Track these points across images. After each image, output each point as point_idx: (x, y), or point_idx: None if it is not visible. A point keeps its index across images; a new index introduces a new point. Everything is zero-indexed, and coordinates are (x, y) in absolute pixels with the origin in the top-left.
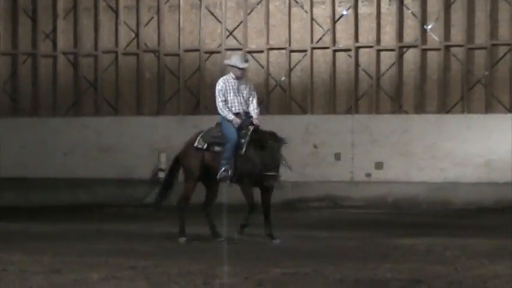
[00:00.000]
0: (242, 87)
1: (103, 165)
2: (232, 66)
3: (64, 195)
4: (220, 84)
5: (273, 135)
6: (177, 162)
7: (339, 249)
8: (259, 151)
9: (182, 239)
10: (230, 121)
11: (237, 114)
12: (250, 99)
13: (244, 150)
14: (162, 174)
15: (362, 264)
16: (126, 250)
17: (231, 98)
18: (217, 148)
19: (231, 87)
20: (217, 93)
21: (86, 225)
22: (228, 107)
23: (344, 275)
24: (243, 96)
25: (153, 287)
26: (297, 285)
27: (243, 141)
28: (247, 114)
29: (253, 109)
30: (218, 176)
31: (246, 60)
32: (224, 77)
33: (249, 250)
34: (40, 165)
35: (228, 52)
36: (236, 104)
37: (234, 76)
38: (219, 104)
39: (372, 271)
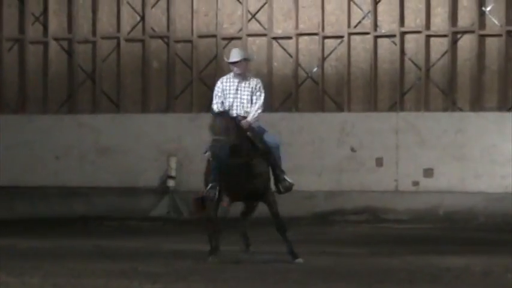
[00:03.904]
0: (242, 85)
1: (102, 171)
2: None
3: (56, 206)
4: (217, 85)
5: None
6: None
7: (381, 270)
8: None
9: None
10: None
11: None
12: (254, 99)
13: None
14: (171, 182)
15: None
16: (129, 271)
17: (230, 100)
18: None
19: (229, 87)
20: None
21: (82, 241)
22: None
23: None
24: (243, 97)
25: None
26: None
27: None
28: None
29: (252, 110)
30: None
31: (242, 54)
32: (225, 76)
33: (275, 271)
34: (28, 171)
35: (250, 39)
36: (235, 106)
37: (233, 74)
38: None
39: None
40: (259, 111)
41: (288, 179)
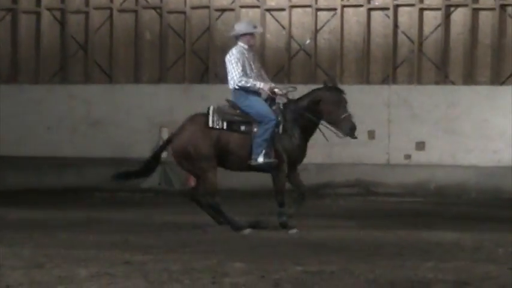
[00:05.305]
0: (253, 57)
1: (94, 142)
2: (244, 34)
3: (48, 177)
4: (234, 54)
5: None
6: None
7: (372, 244)
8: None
9: (246, 231)
10: (257, 92)
11: None
12: (262, 71)
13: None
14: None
15: (399, 262)
16: (120, 242)
17: (248, 72)
18: (242, 128)
19: (245, 59)
20: (234, 63)
21: (74, 213)
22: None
23: (377, 275)
24: (254, 69)
25: (152, 285)
26: (321, 286)
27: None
28: None
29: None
30: (257, 162)
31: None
32: (237, 47)
33: (265, 244)
34: (19, 141)
35: (243, 10)
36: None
37: (246, 46)
38: (239, 75)
39: (411, 270)
40: None
41: None
